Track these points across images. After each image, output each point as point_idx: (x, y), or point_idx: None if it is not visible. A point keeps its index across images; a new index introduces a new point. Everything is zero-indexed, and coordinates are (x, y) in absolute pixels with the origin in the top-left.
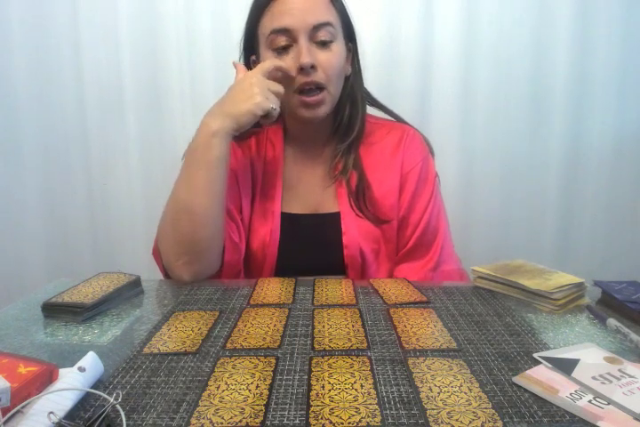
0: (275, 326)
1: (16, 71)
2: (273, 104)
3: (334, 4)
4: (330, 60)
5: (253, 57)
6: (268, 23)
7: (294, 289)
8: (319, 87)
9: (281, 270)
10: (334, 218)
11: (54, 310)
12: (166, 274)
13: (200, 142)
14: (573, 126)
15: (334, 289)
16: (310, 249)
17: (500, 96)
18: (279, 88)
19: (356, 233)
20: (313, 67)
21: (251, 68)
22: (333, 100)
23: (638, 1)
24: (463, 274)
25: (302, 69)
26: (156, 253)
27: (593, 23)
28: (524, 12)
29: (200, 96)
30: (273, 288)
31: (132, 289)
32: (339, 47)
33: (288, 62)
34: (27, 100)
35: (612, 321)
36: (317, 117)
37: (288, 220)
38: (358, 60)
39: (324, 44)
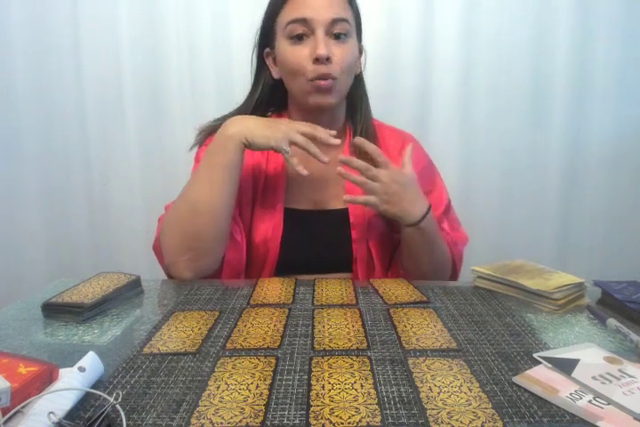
0: (275, 326)
1: (16, 71)
2: (287, 147)
3: (351, 5)
4: (344, 53)
5: (267, 49)
6: (288, 14)
7: (294, 289)
8: (331, 78)
9: (283, 267)
10: (342, 214)
11: (54, 310)
12: (166, 270)
13: (216, 144)
14: (573, 126)
15: (334, 289)
16: (316, 245)
17: (500, 95)
18: (308, 129)
19: (364, 228)
20: (329, 59)
21: (264, 61)
22: (341, 92)
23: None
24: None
25: (317, 60)
26: (157, 249)
27: (593, 23)
28: (523, 10)
29: (200, 96)
30: (273, 288)
31: (131, 289)
32: (353, 43)
33: (304, 52)
34: (27, 101)
35: (612, 321)
36: (326, 103)
37: (293, 216)
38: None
39: (339, 38)
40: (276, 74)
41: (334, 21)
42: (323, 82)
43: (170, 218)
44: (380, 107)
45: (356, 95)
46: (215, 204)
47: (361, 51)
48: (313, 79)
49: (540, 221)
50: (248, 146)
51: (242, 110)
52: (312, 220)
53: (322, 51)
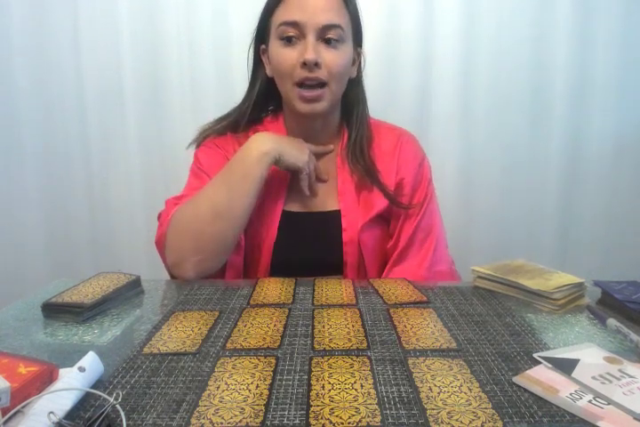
0: (275, 326)
1: (16, 66)
2: (309, 170)
3: (348, 8)
4: (335, 59)
5: (263, 46)
6: (281, 15)
7: (294, 289)
8: (321, 83)
9: (277, 268)
10: (335, 216)
11: (54, 310)
12: (169, 267)
13: (250, 157)
14: (574, 121)
15: (334, 289)
16: (309, 247)
17: (500, 91)
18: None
19: (356, 231)
20: (317, 64)
21: (260, 57)
22: (333, 98)
23: None
24: (454, 274)
25: (305, 65)
26: (161, 245)
27: (594, 18)
28: (523, 6)
29: (200, 91)
30: (273, 288)
31: (131, 289)
32: (346, 48)
33: (293, 55)
34: (27, 96)
35: (612, 321)
36: (314, 112)
37: (289, 218)
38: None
39: (330, 44)
40: (269, 72)
41: (326, 27)
42: (307, 93)
43: (185, 218)
44: (381, 103)
45: (352, 98)
46: (240, 211)
47: (359, 55)
48: (298, 83)
49: (540, 216)
50: (276, 162)
51: (242, 108)
52: (305, 222)
53: (309, 55)
